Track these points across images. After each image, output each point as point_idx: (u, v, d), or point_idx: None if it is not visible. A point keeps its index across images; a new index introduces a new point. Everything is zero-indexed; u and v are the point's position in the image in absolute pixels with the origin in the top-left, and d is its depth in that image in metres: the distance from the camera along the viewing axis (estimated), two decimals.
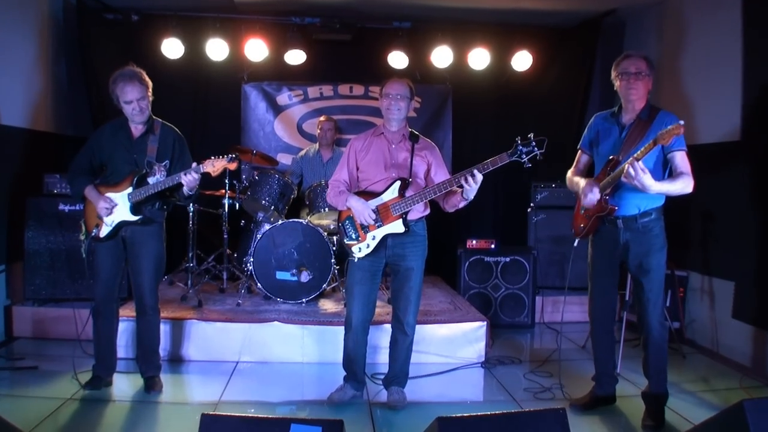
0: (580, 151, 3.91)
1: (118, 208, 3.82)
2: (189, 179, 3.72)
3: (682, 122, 3.12)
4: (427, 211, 3.86)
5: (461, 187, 3.51)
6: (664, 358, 3.66)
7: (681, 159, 3.45)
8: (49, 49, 5.78)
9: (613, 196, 3.57)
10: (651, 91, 3.60)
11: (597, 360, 3.92)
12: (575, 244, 3.86)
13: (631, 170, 3.23)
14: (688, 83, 5.48)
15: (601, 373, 3.90)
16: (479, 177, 3.44)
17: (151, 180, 3.86)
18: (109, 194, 3.84)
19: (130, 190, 3.82)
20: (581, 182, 3.72)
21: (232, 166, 3.80)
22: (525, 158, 3.41)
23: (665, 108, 3.59)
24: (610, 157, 3.56)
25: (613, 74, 3.63)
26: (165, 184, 3.79)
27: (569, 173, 3.91)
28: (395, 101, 3.73)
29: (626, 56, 3.57)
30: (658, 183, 3.33)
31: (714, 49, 5.13)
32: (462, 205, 3.66)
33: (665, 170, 3.53)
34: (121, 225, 3.86)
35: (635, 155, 3.27)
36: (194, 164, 3.77)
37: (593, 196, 3.57)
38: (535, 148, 3.40)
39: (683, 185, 3.39)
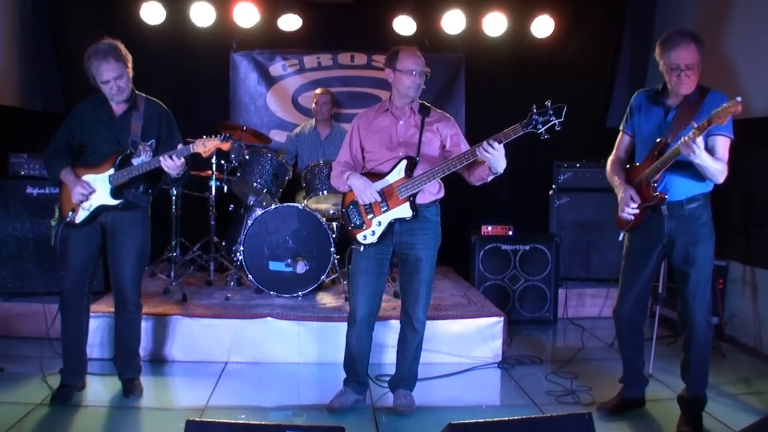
0: (621, 133, 3.85)
1: (96, 191, 3.79)
2: (170, 164, 3.67)
3: (739, 98, 3.01)
4: (441, 194, 3.82)
5: (472, 161, 3.49)
6: (706, 360, 3.63)
7: (722, 145, 3.41)
8: (15, 14, 5.72)
9: (659, 182, 3.53)
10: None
11: (625, 359, 3.91)
12: (621, 238, 3.82)
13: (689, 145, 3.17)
14: (729, 53, 5.40)
15: (629, 374, 3.89)
16: (495, 147, 3.35)
17: (135, 161, 3.82)
18: (88, 176, 3.80)
19: (111, 171, 3.78)
20: (619, 190, 3.68)
21: (225, 146, 3.77)
22: (541, 128, 3.35)
23: (704, 81, 3.51)
24: (658, 139, 3.51)
25: (658, 54, 3.50)
26: (150, 165, 3.75)
27: (610, 161, 3.85)
28: (420, 78, 3.67)
29: (674, 44, 3.39)
30: (708, 157, 3.28)
31: (759, 17, 5.05)
32: (490, 179, 3.61)
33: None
34: (100, 210, 3.83)
35: (688, 135, 3.20)
36: (180, 145, 3.73)
37: (630, 211, 3.55)
38: (553, 117, 3.33)
39: (717, 172, 3.35)
